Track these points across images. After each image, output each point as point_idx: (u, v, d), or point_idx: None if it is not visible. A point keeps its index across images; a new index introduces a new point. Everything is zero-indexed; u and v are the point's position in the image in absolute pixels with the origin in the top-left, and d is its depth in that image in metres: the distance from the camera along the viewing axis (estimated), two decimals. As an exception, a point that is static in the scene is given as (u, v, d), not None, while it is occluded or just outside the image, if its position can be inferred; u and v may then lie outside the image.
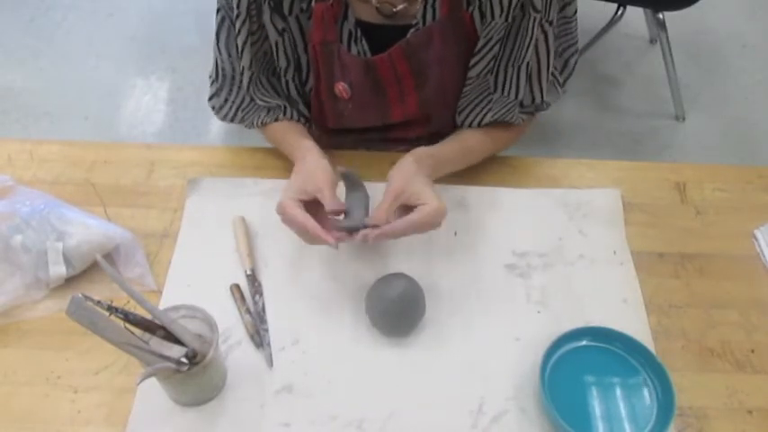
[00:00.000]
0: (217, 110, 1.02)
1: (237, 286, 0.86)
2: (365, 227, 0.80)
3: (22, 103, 2.24)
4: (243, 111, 1.00)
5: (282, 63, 0.95)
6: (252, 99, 0.98)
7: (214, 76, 0.99)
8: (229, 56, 0.95)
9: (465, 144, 0.97)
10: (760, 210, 0.98)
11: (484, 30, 0.89)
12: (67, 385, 0.78)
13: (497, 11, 0.87)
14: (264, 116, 0.99)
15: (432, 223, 0.82)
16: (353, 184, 0.85)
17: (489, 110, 0.96)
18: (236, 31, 0.90)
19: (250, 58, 0.92)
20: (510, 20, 0.87)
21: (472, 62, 0.92)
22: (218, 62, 0.97)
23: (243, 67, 0.93)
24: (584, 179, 1.01)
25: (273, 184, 0.98)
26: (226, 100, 1.00)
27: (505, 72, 0.93)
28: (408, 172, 0.85)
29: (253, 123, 1.00)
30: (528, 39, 0.88)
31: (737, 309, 0.87)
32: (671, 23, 2.14)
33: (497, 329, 0.84)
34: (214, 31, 0.94)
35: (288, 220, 0.82)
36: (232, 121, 1.02)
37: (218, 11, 0.92)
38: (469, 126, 0.99)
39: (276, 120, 0.99)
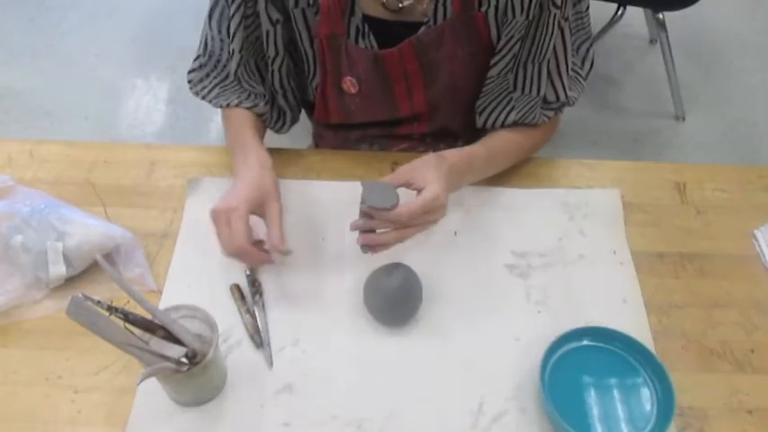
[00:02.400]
0: (194, 83, 1.00)
1: (237, 286, 0.86)
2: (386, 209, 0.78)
3: (22, 103, 2.24)
4: (222, 88, 0.98)
5: (271, 53, 0.94)
6: (236, 80, 0.97)
7: (201, 51, 0.98)
8: (219, 33, 0.94)
9: (490, 146, 0.95)
10: (760, 210, 0.98)
11: (504, 29, 0.89)
12: (67, 385, 0.78)
13: (518, 9, 0.86)
14: (244, 100, 0.97)
15: (429, 212, 0.80)
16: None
17: (512, 109, 0.95)
18: (231, 14, 0.89)
19: (241, 42, 0.92)
20: (530, 18, 0.87)
21: (493, 61, 0.92)
22: (208, 39, 0.96)
23: (233, 50, 0.93)
24: (584, 179, 1.01)
25: (273, 184, 0.98)
26: (207, 75, 0.99)
27: (525, 70, 0.92)
28: (426, 159, 0.85)
29: (221, 104, 0.98)
30: (548, 36, 0.88)
31: (737, 309, 0.87)
32: (671, 23, 2.15)
33: (497, 329, 0.84)
34: (207, 8, 0.94)
35: (229, 227, 0.79)
36: (204, 97, 0.99)
37: None
38: (492, 127, 0.98)
39: (251, 106, 0.97)
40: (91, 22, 2.53)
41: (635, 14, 2.38)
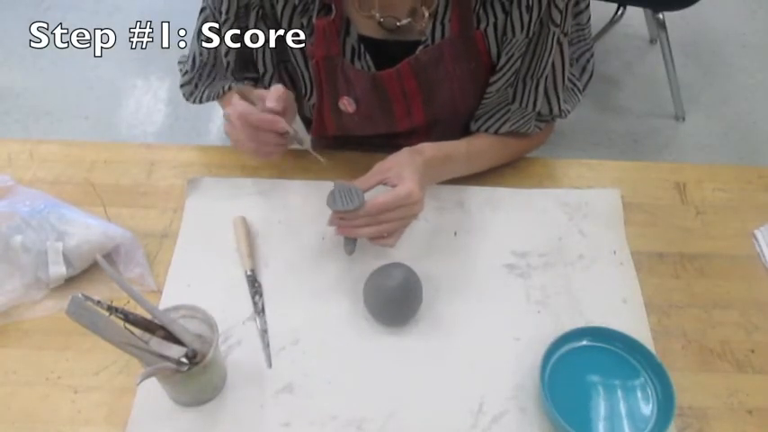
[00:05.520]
0: (187, 96, 1.04)
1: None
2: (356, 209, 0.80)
3: (22, 103, 2.24)
4: (213, 85, 1.01)
5: (261, 69, 0.96)
6: (231, 76, 0.99)
7: (189, 67, 1.01)
8: (210, 51, 0.97)
9: (472, 145, 0.96)
10: (760, 210, 0.98)
11: (504, 47, 0.89)
12: (67, 385, 0.78)
13: (518, 28, 0.87)
14: (240, 81, 0.99)
15: (404, 207, 0.81)
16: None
17: (507, 120, 0.96)
18: (223, 34, 0.91)
19: (236, 55, 0.95)
20: (530, 35, 0.88)
21: (493, 78, 0.92)
22: (196, 56, 0.99)
23: (228, 62, 0.96)
24: (583, 179, 1.01)
25: (273, 184, 0.98)
26: (197, 86, 1.02)
27: (524, 84, 0.93)
28: (400, 156, 0.86)
29: (219, 93, 1.00)
30: (547, 52, 0.89)
31: (737, 309, 0.87)
32: (671, 23, 2.15)
33: (497, 329, 0.84)
34: (196, 26, 0.95)
35: (235, 115, 0.82)
36: (202, 101, 1.02)
37: (201, 10, 0.94)
38: (485, 132, 0.98)
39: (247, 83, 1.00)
40: (91, 22, 2.53)
41: (635, 14, 2.38)
